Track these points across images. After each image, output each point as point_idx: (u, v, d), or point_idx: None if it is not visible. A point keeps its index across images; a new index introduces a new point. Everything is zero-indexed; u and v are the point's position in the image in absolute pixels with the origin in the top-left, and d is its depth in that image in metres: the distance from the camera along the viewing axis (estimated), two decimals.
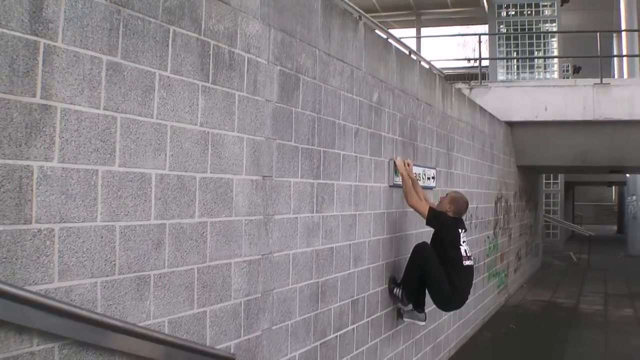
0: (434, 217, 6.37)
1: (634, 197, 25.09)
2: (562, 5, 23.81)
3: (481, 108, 11.74)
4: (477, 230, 10.78)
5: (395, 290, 6.51)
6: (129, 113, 3.12)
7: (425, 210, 6.36)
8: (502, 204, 13.38)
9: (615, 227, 40.66)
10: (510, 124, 14.39)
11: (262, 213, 4.25)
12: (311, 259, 4.90)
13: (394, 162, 6.50)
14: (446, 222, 6.41)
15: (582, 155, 14.88)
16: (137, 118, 3.18)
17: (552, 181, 25.80)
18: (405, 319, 6.77)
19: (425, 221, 6.45)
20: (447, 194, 6.81)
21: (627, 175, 25.03)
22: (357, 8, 6.30)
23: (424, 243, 6.51)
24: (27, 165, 2.59)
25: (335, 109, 5.30)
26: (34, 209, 2.61)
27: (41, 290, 2.63)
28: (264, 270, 4.26)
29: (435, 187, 7.93)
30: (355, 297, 5.68)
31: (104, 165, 2.97)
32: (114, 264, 3.02)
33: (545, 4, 23.27)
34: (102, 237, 2.95)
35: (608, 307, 13.52)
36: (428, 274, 6.26)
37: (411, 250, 6.48)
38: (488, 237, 11.89)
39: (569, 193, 36.77)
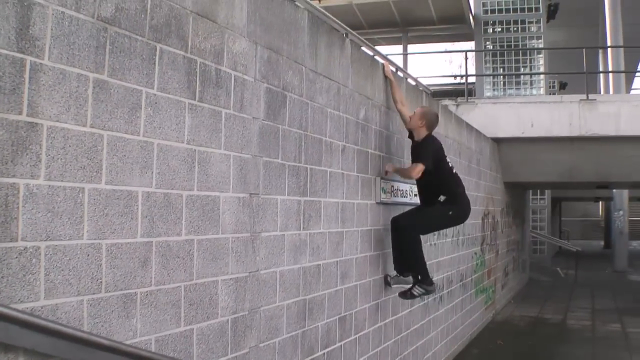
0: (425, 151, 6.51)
1: (621, 213, 25.18)
2: (547, 21, 24.01)
3: (468, 124, 11.79)
4: (464, 247, 10.80)
5: (416, 290, 6.64)
6: (115, 131, 3.12)
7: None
8: (489, 220, 13.41)
9: (602, 243, 40.76)
10: (497, 140, 14.45)
11: (249, 230, 4.25)
12: (298, 276, 4.89)
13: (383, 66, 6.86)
14: (433, 145, 6.59)
15: (569, 171, 14.96)
16: (124, 136, 3.18)
17: (538, 197, 25.89)
18: (393, 286, 6.75)
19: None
20: (414, 112, 6.78)
21: (614, 190, 25.13)
22: (343, 25, 6.30)
23: (394, 221, 6.67)
24: (14, 183, 2.58)
25: (322, 126, 5.32)
26: (20, 226, 2.61)
27: (27, 308, 2.62)
28: (251, 287, 4.26)
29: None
30: (343, 314, 5.68)
31: (90, 183, 2.96)
32: (101, 282, 3.01)
33: (531, 20, 23.47)
34: (88, 255, 2.95)
35: (595, 323, 13.53)
36: (431, 224, 6.91)
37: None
38: (475, 254, 11.91)
39: (556, 209, 36.94)
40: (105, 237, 3.05)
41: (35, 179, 2.68)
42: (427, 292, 6.75)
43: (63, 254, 2.81)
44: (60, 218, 2.80)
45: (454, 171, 6.79)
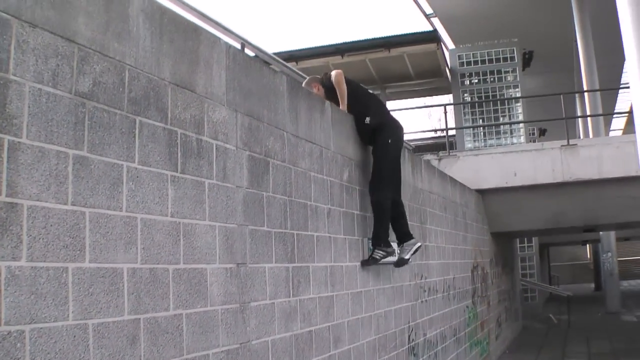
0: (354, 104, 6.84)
1: (609, 254, 25.19)
2: (523, 69, 24.26)
3: (451, 178, 11.82)
4: (455, 301, 10.72)
5: (376, 254, 6.47)
6: (97, 207, 3.07)
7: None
8: (479, 272, 13.35)
9: (592, 285, 40.75)
10: (482, 192, 14.51)
11: (238, 301, 4.18)
12: (290, 344, 4.81)
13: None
14: (357, 90, 7.13)
15: (555, 217, 15.01)
16: (106, 212, 3.13)
17: (526, 244, 25.85)
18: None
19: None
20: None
21: (601, 232, 25.17)
22: None
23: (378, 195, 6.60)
24: None
25: (306, 190, 5.29)
26: (3, 310, 2.54)
27: None
28: (242, 359, 4.17)
29: (410, 261, 7.86)
30: None
31: (73, 262, 2.90)
32: None
33: (507, 69, 23.65)
34: (74, 336, 2.87)
35: None
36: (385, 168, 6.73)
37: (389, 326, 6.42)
38: (467, 307, 11.82)
39: (544, 254, 36.97)
40: (92, 316, 2.98)
41: (17, 261, 2.62)
42: (387, 254, 6.56)
43: (48, 337, 2.73)
44: (45, 299, 2.73)
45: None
